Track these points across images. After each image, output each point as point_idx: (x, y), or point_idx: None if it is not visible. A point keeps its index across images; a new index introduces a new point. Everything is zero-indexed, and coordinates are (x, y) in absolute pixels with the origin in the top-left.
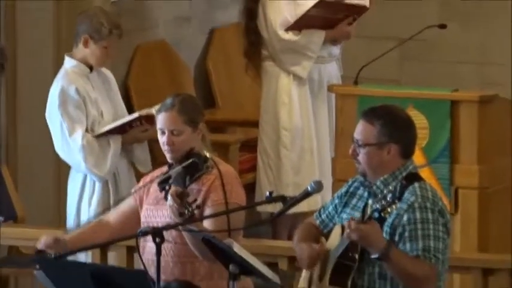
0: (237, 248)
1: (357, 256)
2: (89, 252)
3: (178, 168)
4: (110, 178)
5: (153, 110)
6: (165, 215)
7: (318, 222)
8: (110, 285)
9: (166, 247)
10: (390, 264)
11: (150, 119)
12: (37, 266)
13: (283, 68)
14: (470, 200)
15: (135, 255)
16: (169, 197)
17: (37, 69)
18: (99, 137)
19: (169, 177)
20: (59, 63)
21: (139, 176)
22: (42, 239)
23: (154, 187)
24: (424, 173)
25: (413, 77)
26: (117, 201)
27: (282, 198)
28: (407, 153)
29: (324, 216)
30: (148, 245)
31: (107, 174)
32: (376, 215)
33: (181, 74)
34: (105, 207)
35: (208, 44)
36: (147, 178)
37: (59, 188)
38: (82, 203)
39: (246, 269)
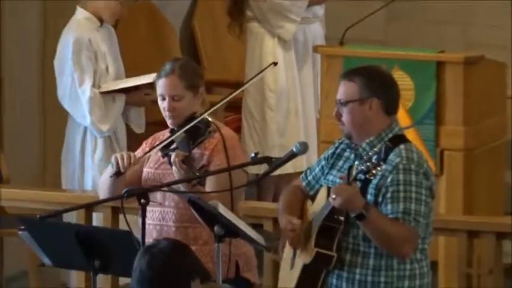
0: (222, 210)
1: (342, 218)
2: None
3: (180, 133)
4: (112, 135)
5: None
6: (167, 179)
7: (304, 184)
8: (94, 246)
9: (168, 212)
10: (367, 224)
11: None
12: (22, 227)
13: (268, 29)
14: (455, 162)
15: (120, 216)
16: (174, 167)
17: (22, 36)
18: (104, 94)
19: (171, 143)
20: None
21: (132, 136)
22: (122, 162)
23: (155, 150)
24: (410, 134)
25: (399, 38)
26: None
27: (267, 159)
28: (389, 109)
29: (310, 178)
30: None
31: (109, 130)
32: (361, 176)
33: (167, 35)
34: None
35: (194, 5)
36: (148, 140)
37: (43, 148)
38: (85, 156)
39: (232, 231)
